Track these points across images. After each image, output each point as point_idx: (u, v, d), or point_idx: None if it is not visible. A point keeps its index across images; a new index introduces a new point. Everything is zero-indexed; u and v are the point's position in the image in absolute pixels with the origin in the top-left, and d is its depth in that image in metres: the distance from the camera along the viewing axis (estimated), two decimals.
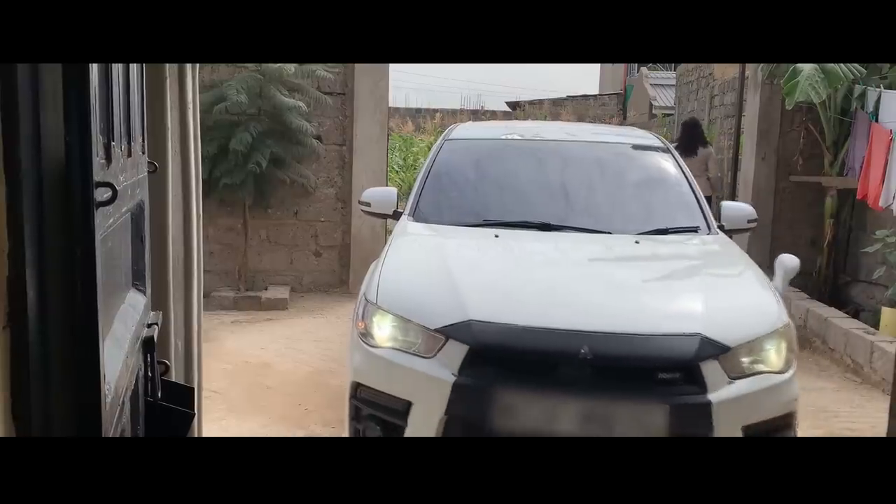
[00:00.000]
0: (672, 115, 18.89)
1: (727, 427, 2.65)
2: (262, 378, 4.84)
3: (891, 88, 6.05)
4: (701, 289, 3.19)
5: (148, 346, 1.60)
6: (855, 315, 6.15)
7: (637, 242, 3.57)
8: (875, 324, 5.58)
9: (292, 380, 4.82)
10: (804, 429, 4.20)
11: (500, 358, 2.75)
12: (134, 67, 1.60)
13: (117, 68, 1.38)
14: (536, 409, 2.74)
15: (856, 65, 5.95)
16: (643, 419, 2.71)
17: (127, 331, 1.43)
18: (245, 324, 6.14)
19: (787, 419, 2.84)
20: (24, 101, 0.95)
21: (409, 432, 2.75)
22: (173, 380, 2.12)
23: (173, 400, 1.74)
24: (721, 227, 3.93)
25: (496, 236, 3.59)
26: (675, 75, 19.31)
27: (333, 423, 4.14)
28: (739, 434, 2.70)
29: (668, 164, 4.20)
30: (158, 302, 2.08)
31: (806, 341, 5.84)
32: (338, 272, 7.32)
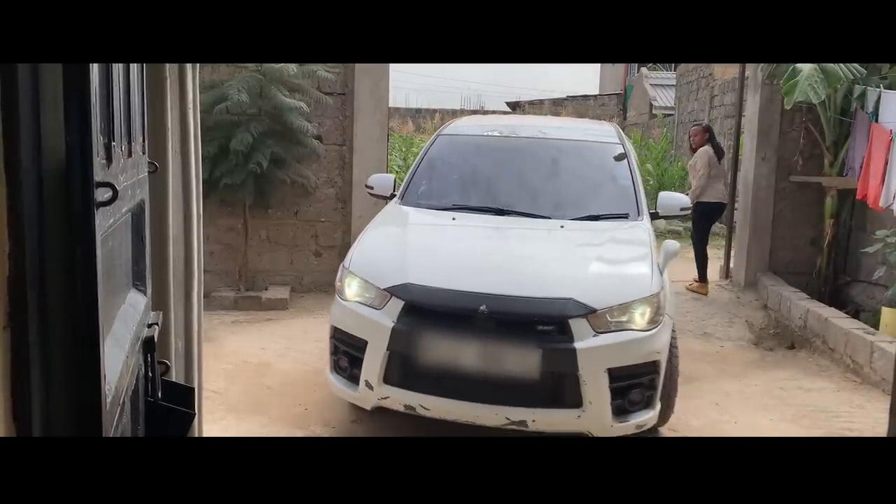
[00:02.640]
0: (672, 115, 18.91)
1: (591, 368, 3.45)
2: (262, 378, 4.84)
3: (891, 88, 6.05)
4: (588, 263, 3.93)
5: (148, 346, 1.60)
6: (855, 315, 6.15)
7: (562, 227, 4.33)
8: (875, 324, 5.58)
9: (292, 380, 4.82)
10: (804, 428, 4.21)
11: (426, 310, 3.61)
12: (134, 67, 1.60)
13: (118, 68, 1.38)
14: (448, 348, 3.64)
15: (856, 65, 5.94)
16: (523, 359, 3.53)
17: (127, 331, 1.43)
18: (245, 324, 6.14)
19: (651, 366, 3.60)
20: (24, 101, 0.95)
21: (365, 362, 3.66)
22: (173, 380, 2.12)
23: (173, 400, 1.74)
24: (655, 215, 4.71)
25: (453, 219, 4.46)
26: (675, 75, 19.34)
27: (333, 423, 4.14)
28: (604, 374, 3.46)
29: (617, 159, 4.95)
30: (159, 302, 2.08)
31: (806, 341, 5.84)
32: (338, 272, 7.31)
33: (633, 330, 3.58)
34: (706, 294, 7.33)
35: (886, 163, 5.71)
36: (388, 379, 3.62)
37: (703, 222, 7.46)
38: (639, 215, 4.52)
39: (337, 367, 3.89)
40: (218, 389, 4.52)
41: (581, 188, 4.83)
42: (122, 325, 1.42)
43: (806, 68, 5.84)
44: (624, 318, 3.58)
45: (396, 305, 3.62)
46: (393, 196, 4.97)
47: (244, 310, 6.51)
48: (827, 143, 6.93)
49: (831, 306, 6.19)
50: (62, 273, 1.03)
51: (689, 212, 5.04)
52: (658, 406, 3.69)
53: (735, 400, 4.65)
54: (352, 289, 3.89)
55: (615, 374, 3.49)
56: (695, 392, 4.77)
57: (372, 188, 5.13)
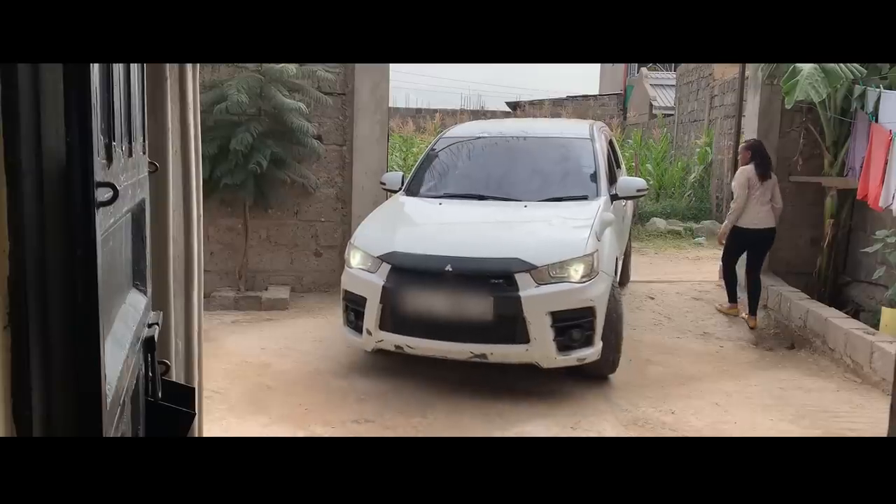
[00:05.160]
0: (672, 115, 18.90)
1: (534, 311, 4.37)
2: (262, 378, 4.84)
3: (891, 88, 6.04)
4: (535, 231, 4.89)
5: (148, 345, 1.60)
6: (855, 315, 6.15)
7: (525, 206, 5.28)
8: (875, 324, 5.58)
9: (292, 380, 4.82)
10: (804, 428, 4.21)
11: (407, 271, 4.60)
12: (134, 67, 1.60)
13: (118, 68, 1.38)
14: (424, 299, 4.59)
15: (856, 65, 5.94)
16: (480, 305, 4.46)
17: (127, 331, 1.43)
18: (245, 324, 6.15)
19: (587, 311, 4.50)
20: (24, 101, 0.95)
21: (366, 314, 4.67)
22: (174, 380, 2.12)
23: (174, 400, 1.74)
24: (615, 196, 5.55)
25: (440, 204, 5.51)
26: (675, 75, 19.34)
27: (333, 423, 4.14)
28: (546, 316, 4.37)
29: (585, 152, 5.86)
30: (159, 302, 2.08)
31: (806, 341, 5.83)
32: (338, 272, 7.28)
33: (569, 282, 4.48)
34: (738, 315, 6.50)
35: (886, 163, 5.70)
36: (382, 326, 4.63)
37: (729, 244, 6.60)
38: (597, 196, 5.38)
39: (347, 321, 4.94)
40: (218, 389, 4.52)
41: (550, 176, 5.72)
42: (122, 325, 1.41)
43: (806, 68, 5.83)
44: (562, 273, 4.49)
45: (386, 269, 4.63)
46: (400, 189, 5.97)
47: (244, 310, 6.52)
48: (827, 143, 6.92)
49: (831, 306, 6.18)
50: (62, 273, 1.03)
51: (645, 193, 5.94)
52: (598, 345, 4.57)
53: (735, 400, 4.65)
54: (355, 259, 4.89)
55: (556, 317, 4.41)
56: (695, 392, 4.77)
57: (385, 184, 6.12)
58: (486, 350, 4.43)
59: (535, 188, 5.54)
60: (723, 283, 7.07)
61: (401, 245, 4.75)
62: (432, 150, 6.27)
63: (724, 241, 6.83)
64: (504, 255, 4.52)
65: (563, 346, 4.45)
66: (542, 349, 4.40)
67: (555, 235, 4.80)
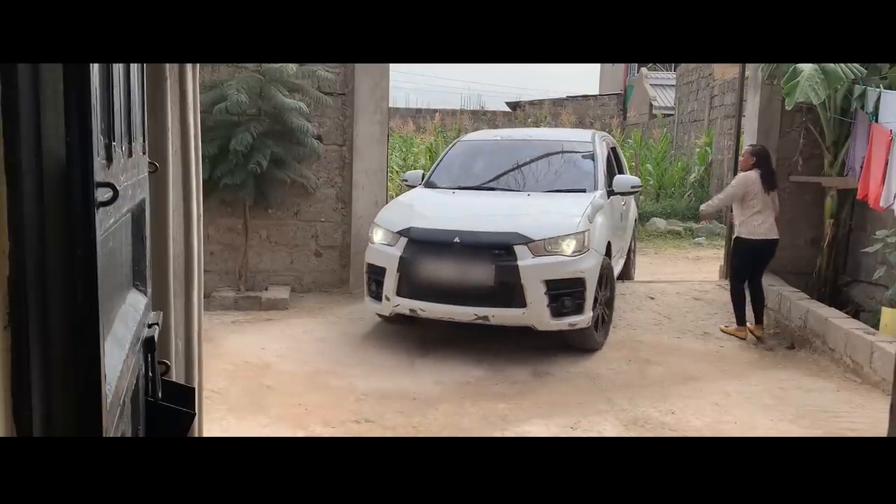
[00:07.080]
0: (672, 115, 18.90)
1: (530, 279, 5.01)
2: (262, 378, 4.84)
3: (891, 88, 6.04)
4: (534, 212, 5.49)
5: (148, 346, 1.60)
6: (855, 315, 6.14)
7: (528, 195, 5.95)
8: (875, 324, 5.57)
9: (292, 380, 4.82)
10: (804, 428, 4.21)
11: (422, 243, 5.28)
12: (134, 67, 1.60)
13: (118, 68, 1.38)
14: (435, 267, 5.22)
15: (856, 65, 5.94)
16: (483, 273, 5.09)
17: (127, 331, 1.43)
18: (245, 324, 6.14)
19: (578, 282, 5.12)
20: (24, 101, 0.95)
21: (385, 283, 5.34)
22: (174, 380, 2.12)
23: (174, 400, 1.74)
24: (611, 192, 6.18)
25: (453, 193, 6.24)
26: (675, 75, 19.35)
27: (333, 423, 4.14)
28: (541, 283, 5.00)
29: (585, 155, 6.52)
30: (159, 302, 2.08)
31: (806, 341, 5.83)
32: (338, 272, 7.32)
33: (562, 255, 5.11)
34: (744, 338, 6.03)
35: (886, 163, 5.70)
36: (399, 292, 5.29)
37: (734, 260, 6.26)
38: (595, 190, 6.00)
39: (369, 291, 5.62)
40: (218, 389, 4.52)
41: (552, 173, 6.40)
42: (122, 325, 1.41)
43: (807, 69, 5.82)
44: (556, 248, 5.12)
45: (403, 242, 5.31)
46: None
47: (244, 310, 6.51)
48: (827, 143, 6.92)
49: (831, 306, 6.17)
50: (62, 273, 1.03)
51: (639, 190, 6.69)
52: (589, 313, 5.18)
53: (735, 400, 4.65)
54: (377, 235, 5.59)
55: (550, 285, 5.02)
56: (695, 392, 4.77)
57: (407, 180, 6.83)
58: (488, 313, 5.05)
59: (539, 182, 6.24)
60: (723, 283, 7.05)
61: (417, 222, 5.44)
62: (449, 152, 7.00)
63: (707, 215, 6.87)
64: (505, 229, 5.18)
65: (557, 311, 5.05)
66: (537, 313, 5.01)
67: (551, 216, 5.40)
